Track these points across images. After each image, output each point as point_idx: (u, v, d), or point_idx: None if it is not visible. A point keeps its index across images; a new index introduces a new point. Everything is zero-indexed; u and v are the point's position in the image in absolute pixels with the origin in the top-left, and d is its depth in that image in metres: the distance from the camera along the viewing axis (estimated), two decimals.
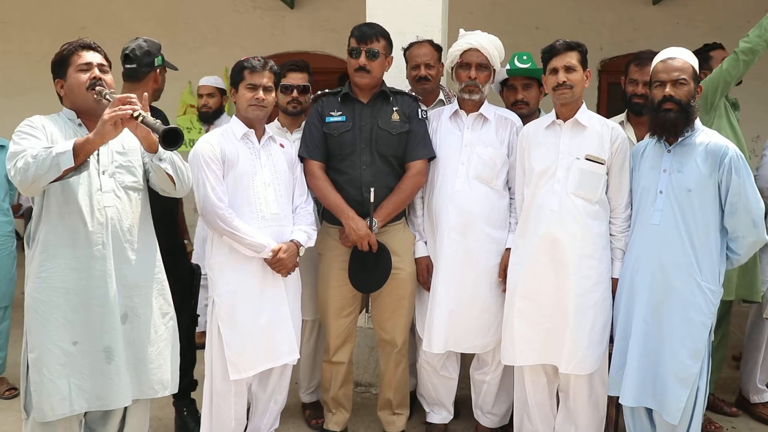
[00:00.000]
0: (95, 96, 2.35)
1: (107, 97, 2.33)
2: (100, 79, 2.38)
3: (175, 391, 2.50)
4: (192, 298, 3.11)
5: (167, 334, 2.49)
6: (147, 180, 2.49)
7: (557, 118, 2.84)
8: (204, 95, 4.67)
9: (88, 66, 2.39)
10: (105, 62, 2.44)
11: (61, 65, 2.42)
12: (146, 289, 2.44)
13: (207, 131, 4.76)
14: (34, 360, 2.31)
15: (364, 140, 2.93)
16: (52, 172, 2.17)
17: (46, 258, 2.32)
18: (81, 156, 2.18)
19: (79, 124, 2.41)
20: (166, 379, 2.46)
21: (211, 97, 4.67)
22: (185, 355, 3.16)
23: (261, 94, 2.74)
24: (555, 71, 2.75)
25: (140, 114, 2.18)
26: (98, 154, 2.38)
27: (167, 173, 2.38)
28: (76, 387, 2.32)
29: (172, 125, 2.17)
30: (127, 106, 2.17)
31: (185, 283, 3.05)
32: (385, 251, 2.93)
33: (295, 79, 3.24)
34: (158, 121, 2.20)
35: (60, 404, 2.30)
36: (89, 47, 2.43)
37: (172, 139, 2.15)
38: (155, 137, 2.26)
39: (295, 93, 3.24)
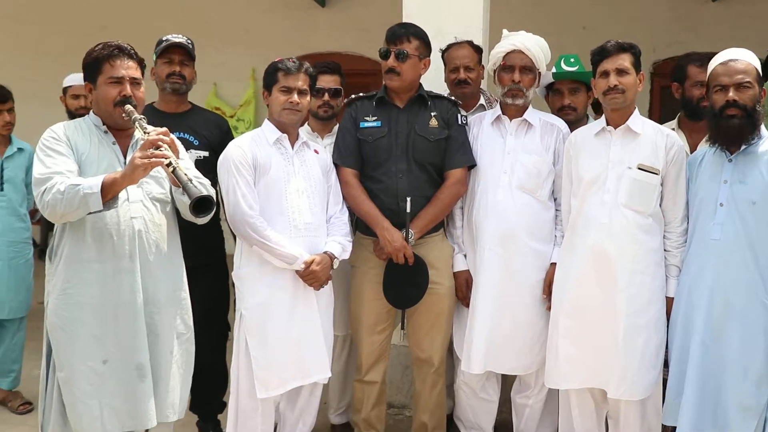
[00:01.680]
0: (123, 116, 2.45)
1: (136, 123, 2.42)
2: (130, 96, 2.47)
3: (182, 416, 2.57)
4: (222, 317, 3.19)
5: (180, 357, 2.55)
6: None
7: (607, 124, 2.86)
8: (81, 96, 4.41)
9: (119, 80, 2.48)
10: (138, 73, 2.53)
11: (92, 69, 2.51)
12: (167, 307, 2.52)
13: None
14: (64, 380, 2.40)
15: (400, 147, 2.99)
16: (81, 211, 2.32)
17: (71, 273, 2.41)
18: (109, 195, 2.31)
19: (105, 131, 2.51)
20: (176, 403, 2.53)
21: (88, 98, 4.65)
22: (215, 376, 3.25)
23: (295, 97, 2.80)
24: (606, 74, 2.78)
25: (173, 165, 2.26)
26: (125, 162, 2.48)
27: None
28: (108, 407, 2.40)
29: (204, 193, 2.23)
30: (160, 152, 2.26)
31: (215, 301, 3.14)
32: (421, 264, 2.97)
33: (327, 81, 3.30)
34: (191, 176, 2.26)
35: (91, 425, 2.38)
36: (124, 53, 2.51)
37: (203, 207, 2.22)
38: (183, 198, 2.33)
39: (326, 96, 3.31)
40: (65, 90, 4.38)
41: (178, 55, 3.16)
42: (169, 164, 2.25)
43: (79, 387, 2.38)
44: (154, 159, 2.25)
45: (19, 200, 3.91)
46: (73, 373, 2.39)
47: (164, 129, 2.39)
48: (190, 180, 2.25)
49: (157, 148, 2.30)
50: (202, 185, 2.45)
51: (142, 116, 2.45)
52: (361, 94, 3.13)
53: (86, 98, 4.22)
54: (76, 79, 4.36)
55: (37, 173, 2.37)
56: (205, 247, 3.11)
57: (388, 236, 2.92)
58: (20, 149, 3.94)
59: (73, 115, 4.30)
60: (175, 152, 2.38)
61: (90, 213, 2.34)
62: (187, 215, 2.49)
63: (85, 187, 2.29)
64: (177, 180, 2.26)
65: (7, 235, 3.81)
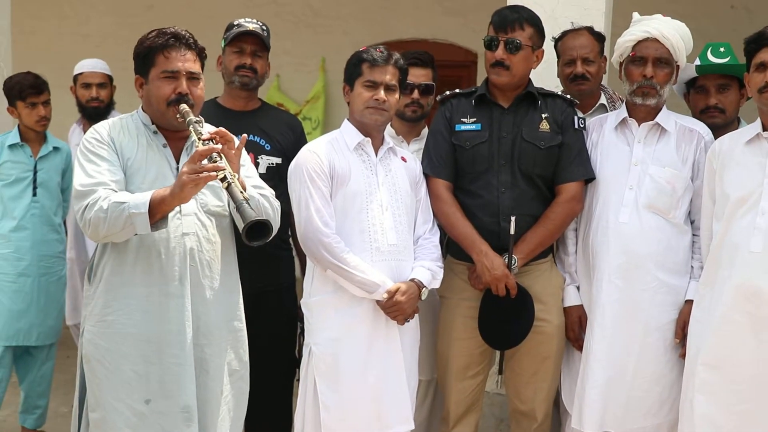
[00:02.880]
0: (177, 116, 2.53)
1: (192, 126, 2.48)
2: (187, 94, 2.54)
3: None
4: (288, 352, 3.28)
5: (232, 398, 2.62)
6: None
7: (763, 130, 2.81)
8: (93, 85, 4.57)
9: (175, 75, 2.55)
10: (197, 66, 2.60)
11: (144, 61, 2.59)
12: (219, 339, 2.59)
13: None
14: (98, 421, 2.48)
15: (503, 155, 3.01)
16: (126, 233, 2.41)
17: (112, 297, 2.50)
18: (158, 215, 2.39)
19: (155, 132, 2.61)
20: None
21: (102, 87, 4.63)
22: (276, 422, 3.32)
23: (382, 94, 2.85)
24: (763, 67, 2.73)
25: (227, 181, 2.31)
26: (178, 168, 2.56)
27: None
28: None
29: (258, 218, 2.26)
30: (212, 165, 2.31)
31: (280, 333, 3.22)
32: (526, 297, 2.98)
33: (417, 75, 3.34)
34: (249, 195, 2.32)
35: None
36: (182, 42, 2.58)
37: (258, 233, 2.27)
38: (238, 219, 2.39)
39: (416, 94, 3.35)
40: (76, 78, 4.58)
41: (251, 44, 3.25)
42: (223, 179, 2.29)
43: (116, 430, 2.45)
44: (204, 174, 2.30)
45: (54, 208, 4.11)
46: (109, 414, 2.46)
47: (220, 130, 2.46)
48: (246, 200, 2.28)
49: (210, 158, 2.34)
50: (260, 206, 2.53)
51: (199, 118, 2.51)
52: (457, 91, 3.16)
53: (99, 87, 4.51)
54: (87, 65, 4.59)
55: (79, 184, 2.45)
56: (271, 270, 3.20)
57: (487, 262, 2.94)
58: (56, 148, 4.13)
59: (84, 108, 4.51)
60: (235, 158, 2.45)
61: (136, 234, 2.43)
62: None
63: (131, 205, 2.35)
64: (230, 198, 2.32)
65: (38, 248, 4.00)
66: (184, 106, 2.51)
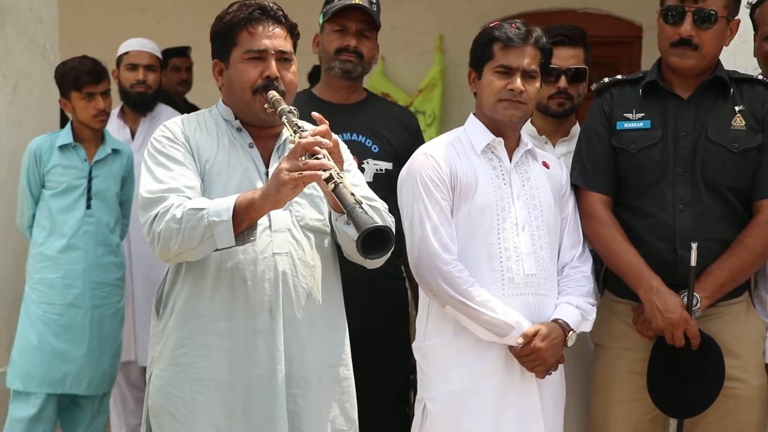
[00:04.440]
0: (266, 106, 2.58)
1: (284, 118, 2.50)
2: (276, 78, 2.59)
3: None
4: (399, 408, 3.31)
5: None
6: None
7: None
8: (140, 66, 4.67)
9: (262, 55, 2.60)
10: (289, 44, 2.64)
11: (223, 40, 2.66)
12: (319, 390, 2.61)
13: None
14: None
15: (681, 161, 2.97)
16: (204, 248, 2.44)
17: (187, 334, 2.55)
18: (244, 223, 2.42)
19: (239, 129, 2.67)
20: None
21: (150, 70, 4.70)
22: None
23: (519, 82, 2.86)
24: None
25: (334, 180, 2.30)
26: (267, 174, 2.62)
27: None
28: None
29: (379, 223, 2.25)
30: (316, 162, 2.32)
31: (390, 384, 3.26)
32: (712, 349, 2.92)
33: (564, 58, 3.33)
34: (359, 198, 2.30)
35: None
36: (270, 16, 2.63)
37: (377, 244, 2.25)
38: (349, 229, 2.40)
39: (563, 81, 3.34)
40: (119, 61, 4.75)
41: (356, 21, 3.30)
42: (329, 179, 2.30)
43: None
44: (307, 172, 2.32)
45: (111, 223, 4.24)
46: None
47: (324, 127, 2.49)
48: (359, 203, 2.28)
49: (313, 155, 2.35)
50: (376, 211, 2.54)
51: (293, 108, 2.54)
52: (618, 78, 3.13)
53: (147, 70, 4.64)
54: (134, 44, 4.76)
55: (146, 190, 2.50)
56: (376, 304, 3.23)
57: (659, 302, 2.89)
58: (115, 151, 4.28)
59: (127, 94, 4.66)
60: (339, 162, 2.48)
61: (217, 250, 2.47)
62: (353, 254, 2.59)
63: (211, 212, 2.39)
64: (340, 202, 2.31)
65: (91, 274, 4.13)
66: (273, 94, 2.56)
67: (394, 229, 2.62)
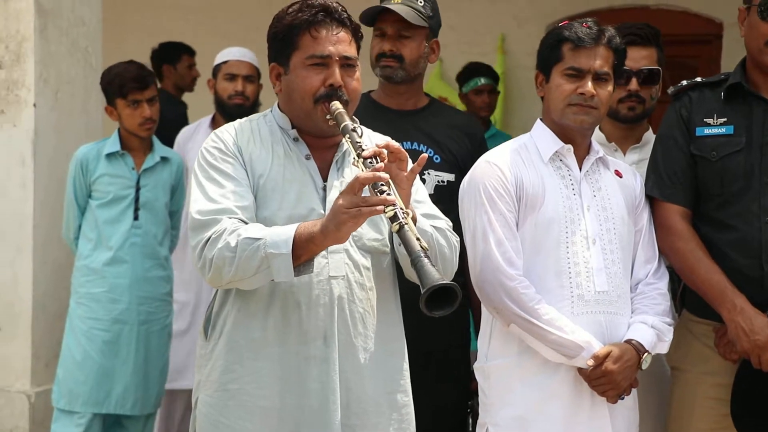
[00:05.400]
0: (328, 118, 2.57)
1: (348, 135, 2.47)
2: (340, 87, 2.58)
3: None
4: None
5: None
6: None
7: None
8: (239, 77, 4.71)
9: (325, 61, 2.59)
10: (353, 49, 2.62)
11: (282, 43, 2.65)
12: (378, 419, 2.62)
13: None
14: None
15: None
16: (260, 278, 2.45)
17: (236, 359, 2.56)
18: (302, 258, 2.42)
19: (295, 139, 2.67)
20: None
21: (249, 81, 4.74)
22: None
23: (590, 86, 2.85)
24: None
25: (399, 221, 2.29)
26: (324, 188, 2.62)
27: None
28: None
29: (444, 281, 2.22)
30: (378, 198, 2.29)
31: (450, 408, 3.26)
32: None
33: (637, 59, 3.31)
34: (425, 244, 2.29)
35: None
36: (334, 18, 2.59)
37: (442, 300, 2.24)
38: (413, 276, 2.36)
39: (635, 84, 3.32)
40: (216, 70, 4.80)
41: (391, 23, 3.31)
42: (393, 217, 2.30)
43: None
44: (368, 208, 2.30)
45: (160, 236, 4.31)
46: None
47: (389, 144, 2.47)
48: (425, 251, 2.27)
49: (374, 186, 2.34)
50: (436, 248, 2.52)
51: (356, 125, 2.53)
52: (698, 80, 3.11)
53: (246, 81, 4.68)
54: (233, 53, 4.79)
55: (197, 211, 2.50)
56: (435, 323, 3.13)
57: (744, 323, 2.87)
58: (164, 159, 4.36)
59: (223, 106, 4.71)
60: (407, 183, 2.46)
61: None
62: (414, 276, 2.52)
63: (269, 243, 2.39)
64: (404, 246, 2.31)
65: (139, 288, 4.20)
66: (336, 105, 2.54)
67: (458, 252, 2.66)
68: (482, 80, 5.93)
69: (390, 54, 3.32)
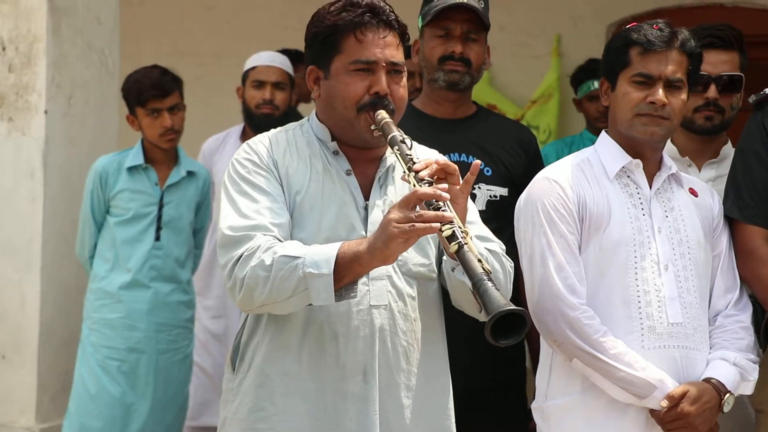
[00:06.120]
0: (373, 128, 2.51)
1: (397, 147, 2.43)
2: (386, 95, 2.53)
3: None
4: None
5: None
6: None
7: None
8: (268, 84, 4.67)
9: (371, 66, 2.54)
10: (400, 54, 2.58)
11: (323, 45, 2.60)
12: None
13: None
14: None
15: None
16: (296, 302, 2.38)
17: (265, 395, 2.52)
18: (345, 280, 2.35)
19: (335, 152, 2.61)
20: None
21: (279, 88, 4.70)
22: None
23: (661, 94, 2.80)
24: None
25: (458, 241, 2.23)
26: (366, 207, 2.56)
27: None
28: None
29: (515, 307, 2.18)
30: (434, 214, 2.24)
31: None
32: None
33: (715, 63, 3.27)
34: (488, 267, 2.23)
35: None
36: (381, 19, 2.56)
37: (509, 329, 2.18)
38: (475, 303, 2.31)
39: (712, 91, 3.27)
40: (244, 77, 4.77)
41: (461, 22, 3.27)
42: (451, 237, 2.25)
43: None
44: (421, 225, 2.24)
45: (182, 257, 4.28)
46: None
47: (441, 160, 2.40)
48: (488, 273, 2.22)
49: (431, 204, 2.29)
50: (495, 255, 2.48)
51: (405, 136, 2.48)
52: None
53: (275, 88, 4.63)
54: (263, 58, 4.74)
55: (227, 226, 2.46)
56: (487, 357, 3.15)
57: None
58: (190, 173, 4.31)
59: (250, 115, 4.65)
60: (462, 199, 2.40)
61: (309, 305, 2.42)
62: (465, 305, 2.52)
63: (308, 262, 2.34)
64: (464, 268, 2.26)
65: (158, 313, 4.16)
66: (383, 115, 2.50)
67: (512, 277, 2.59)
68: (597, 84, 5.57)
69: (459, 57, 3.28)
